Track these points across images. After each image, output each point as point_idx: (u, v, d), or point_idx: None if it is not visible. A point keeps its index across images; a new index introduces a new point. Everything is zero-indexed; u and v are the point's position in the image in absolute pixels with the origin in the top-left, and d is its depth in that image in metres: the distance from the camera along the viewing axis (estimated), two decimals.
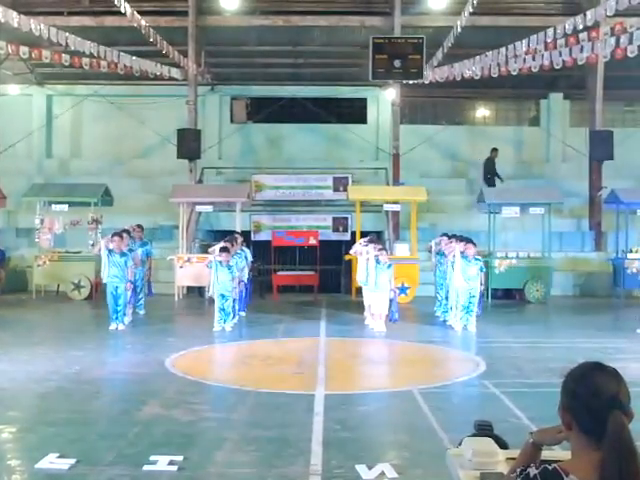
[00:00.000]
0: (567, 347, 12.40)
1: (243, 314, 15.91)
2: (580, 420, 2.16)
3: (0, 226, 22.98)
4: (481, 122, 28.17)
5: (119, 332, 14.11)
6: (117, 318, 14.40)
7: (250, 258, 16.90)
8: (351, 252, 17.03)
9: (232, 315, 14.62)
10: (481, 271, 14.66)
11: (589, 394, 2.13)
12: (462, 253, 14.53)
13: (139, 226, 17.25)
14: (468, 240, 14.89)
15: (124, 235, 15.00)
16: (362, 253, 15.44)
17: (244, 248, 16.66)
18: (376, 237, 17.62)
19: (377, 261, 14.53)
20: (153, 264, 18.31)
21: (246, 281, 16.51)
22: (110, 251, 14.45)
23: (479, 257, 14.92)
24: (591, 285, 21.28)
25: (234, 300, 14.68)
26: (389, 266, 14.58)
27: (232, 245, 15.23)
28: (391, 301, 14.74)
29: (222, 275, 14.32)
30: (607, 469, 2.02)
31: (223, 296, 14.32)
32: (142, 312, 16.53)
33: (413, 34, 22.34)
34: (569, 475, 2.10)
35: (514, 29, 21.03)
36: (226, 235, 16.66)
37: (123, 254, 14.58)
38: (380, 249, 14.92)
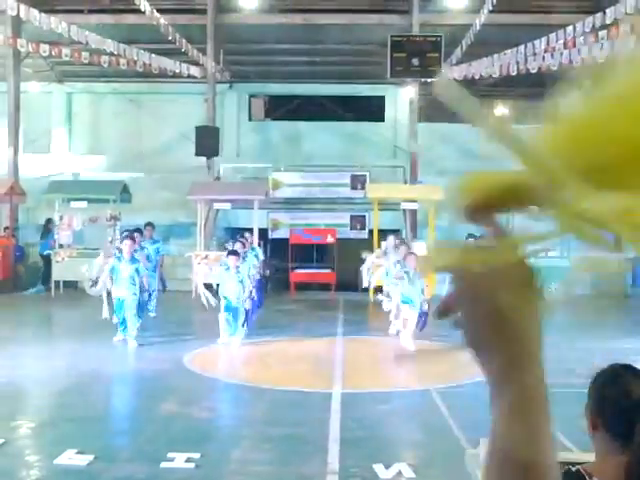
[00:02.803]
0: (583, 348, 12.29)
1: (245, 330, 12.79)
2: (607, 422, 2.09)
3: (20, 222, 23.14)
4: None
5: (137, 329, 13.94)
6: (125, 330, 12.59)
7: (261, 257, 16.19)
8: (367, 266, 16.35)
9: (242, 327, 12.55)
10: None
11: (619, 395, 2.07)
12: None
13: (150, 224, 17.19)
14: None
15: (136, 235, 14.13)
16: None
17: (255, 246, 16.33)
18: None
19: (407, 274, 12.25)
20: (170, 261, 18.37)
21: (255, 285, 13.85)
22: (119, 257, 12.67)
23: None
24: (609, 284, 21.11)
25: (246, 312, 12.63)
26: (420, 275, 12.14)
27: (244, 245, 14.17)
28: (424, 314, 12.17)
29: (230, 283, 12.39)
30: (634, 474, 1.94)
31: (229, 307, 12.32)
32: (153, 315, 15.94)
33: (431, 32, 22.28)
34: (592, 478, 2.05)
35: (533, 27, 20.93)
36: (243, 232, 16.62)
37: (133, 260, 12.71)
38: (409, 252, 12.97)
